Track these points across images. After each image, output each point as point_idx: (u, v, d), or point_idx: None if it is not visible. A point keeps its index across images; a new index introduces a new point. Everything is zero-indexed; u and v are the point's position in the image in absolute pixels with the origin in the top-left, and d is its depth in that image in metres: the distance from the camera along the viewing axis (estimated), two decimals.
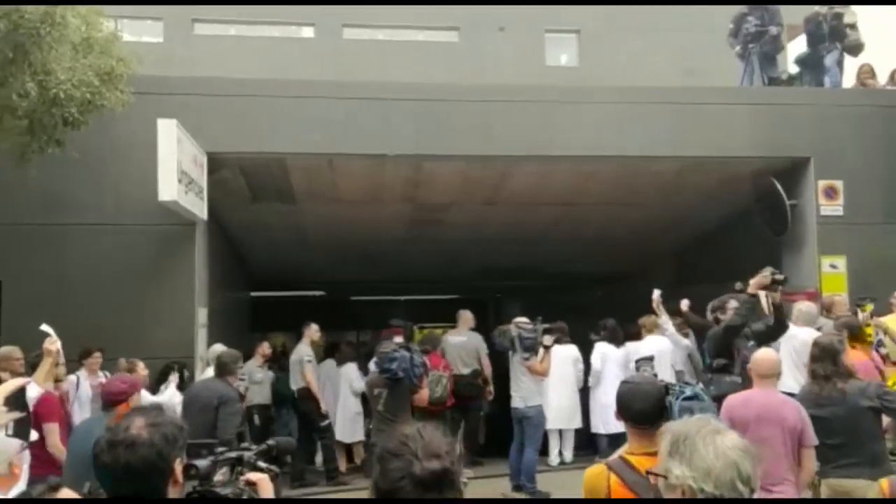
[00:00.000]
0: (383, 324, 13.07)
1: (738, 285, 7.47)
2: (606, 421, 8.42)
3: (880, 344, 7.61)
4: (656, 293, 8.33)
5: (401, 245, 12.41)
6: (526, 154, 8.54)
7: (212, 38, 20.88)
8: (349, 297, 21.34)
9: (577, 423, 8.76)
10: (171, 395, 6.72)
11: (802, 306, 7.69)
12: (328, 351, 10.75)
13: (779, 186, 8.79)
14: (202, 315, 8.16)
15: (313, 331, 8.98)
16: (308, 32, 22.95)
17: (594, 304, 13.64)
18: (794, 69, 9.97)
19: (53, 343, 5.11)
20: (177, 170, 6.58)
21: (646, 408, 2.93)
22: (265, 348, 9.00)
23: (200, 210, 7.73)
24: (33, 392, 4.88)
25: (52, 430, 5.03)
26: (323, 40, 21.52)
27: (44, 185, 7.62)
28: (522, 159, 8.66)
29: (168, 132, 6.54)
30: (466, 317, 9.16)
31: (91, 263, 7.73)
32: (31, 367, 5.64)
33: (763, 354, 4.58)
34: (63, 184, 7.67)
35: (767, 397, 4.34)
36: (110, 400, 4.38)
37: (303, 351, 8.85)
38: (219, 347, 7.95)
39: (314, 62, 18.18)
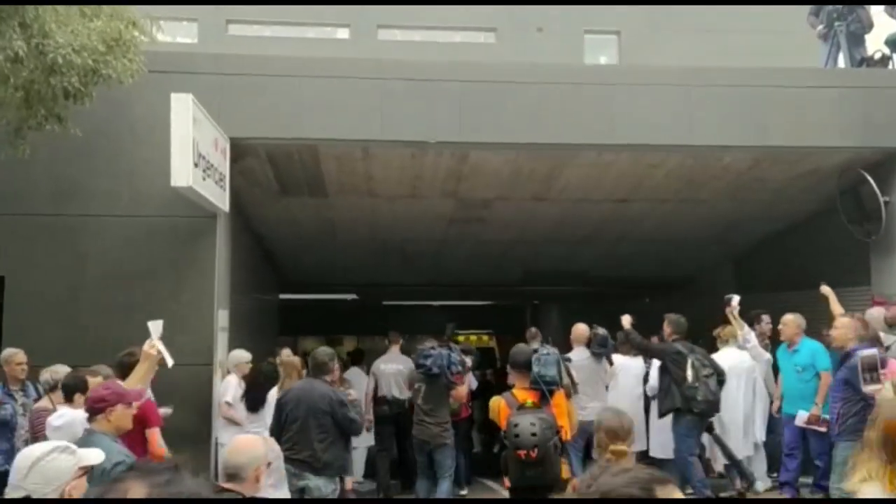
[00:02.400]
0: (417, 330, 12.29)
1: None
2: (664, 443, 7.49)
3: None
4: (735, 299, 7.33)
5: (438, 245, 11.58)
6: (583, 142, 7.63)
7: (246, 38, 20.42)
8: (382, 302, 20.63)
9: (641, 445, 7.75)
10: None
11: (874, 311, 6.80)
12: (354, 358, 10.18)
13: (871, 181, 7.76)
14: (223, 318, 7.39)
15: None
16: (343, 34, 22.51)
17: (641, 313, 12.66)
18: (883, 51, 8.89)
19: (153, 346, 4.73)
20: (193, 152, 5.80)
21: (523, 360, 4.96)
22: (287, 353, 8.16)
23: (222, 200, 6.97)
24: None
25: (154, 434, 4.94)
26: (358, 41, 21.01)
27: (50, 170, 6.95)
28: (579, 148, 7.75)
29: (183, 108, 5.77)
30: (397, 339, 9.11)
31: (101, 258, 7.03)
32: (119, 368, 5.17)
33: None
34: (72, 169, 6.99)
35: None
36: (89, 408, 3.83)
37: None
38: (239, 353, 7.22)
39: None
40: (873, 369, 3.41)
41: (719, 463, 7.54)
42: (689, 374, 6.73)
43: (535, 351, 5.06)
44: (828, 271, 9.15)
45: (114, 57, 5.35)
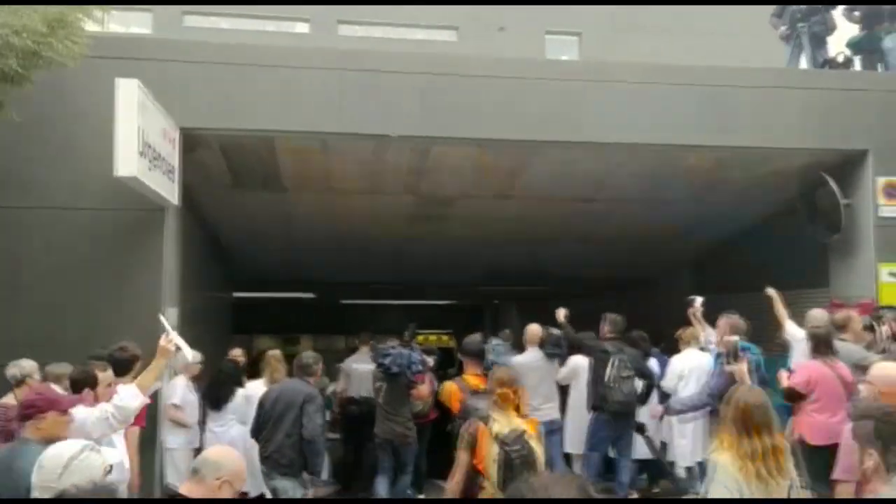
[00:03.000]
0: (376, 330, 12.03)
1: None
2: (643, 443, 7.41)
3: None
4: (698, 301, 7.27)
5: (399, 244, 11.33)
6: (548, 139, 7.47)
7: (203, 31, 19.89)
8: (340, 301, 20.32)
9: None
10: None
11: (815, 312, 6.72)
12: None
13: (832, 182, 7.77)
14: (172, 316, 7.03)
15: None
16: (303, 28, 22.17)
17: (600, 314, 12.58)
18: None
19: (170, 341, 4.51)
20: (138, 140, 5.47)
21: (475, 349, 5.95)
22: (238, 353, 7.85)
23: (171, 193, 6.62)
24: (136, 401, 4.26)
25: (134, 435, 4.91)
26: (318, 36, 20.67)
27: None
28: (544, 145, 7.59)
29: (128, 94, 5.43)
30: (367, 339, 9.09)
31: (41, 254, 6.62)
32: (112, 364, 4.91)
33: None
34: (10, 158, 6.56)
35: None
36: (19, 414, 3.64)
37: None
38: (188, 353, 6.87)
39: None
40: (735, 353, 4.26)
41: (680, 468, 7.45)
42: (608, 373, 6.73)
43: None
44: (787, 273, 9.17)
45: (56, 39, 4.99)
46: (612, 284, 14.38)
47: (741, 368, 5.03)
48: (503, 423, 4.22)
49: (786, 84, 7.79)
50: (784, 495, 3.39)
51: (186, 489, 2.95)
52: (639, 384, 6.90)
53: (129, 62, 6.68)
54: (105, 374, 4.54)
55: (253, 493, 6.61)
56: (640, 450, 7.49)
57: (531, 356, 7.01)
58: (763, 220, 9.55)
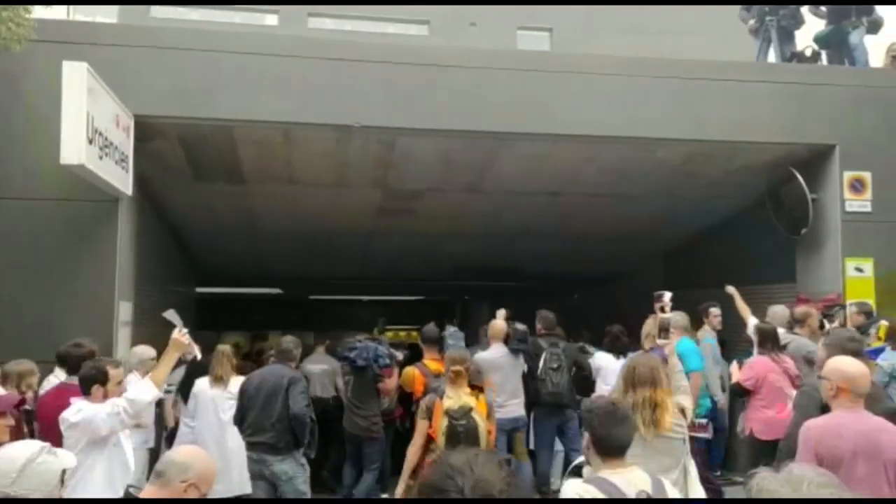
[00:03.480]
0: (345, 325, 11.86)
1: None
2: None
3: None
4: (666, 296, 7.16)
5: (366, 238, 11.13)
6: (518, 131, 7.33)
7: (169, 21, 19.44)
8: (308, 296, 20.05)
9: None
10: None
11: (777, 308, 7.05)
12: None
13: (800, 177, 7.74)
14: (125, 311, 6.79)
15: None
16: (272, 20, 21.86)
17: (569, 310, 12.53)
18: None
19: (184, 334, 4.51)
20: (87, 126, 5.21)
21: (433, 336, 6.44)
22: None
23: (124, 183, 6.36)
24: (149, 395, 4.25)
25: None
26: (287, 29, 20.35)
27: None
28: (514, 138, 7.45)
29: (76, 77, 5.16)
30: (323, 339, 9.11)
31: None
32: (69, 363, 4.80)
33: (857, 366, 3.51)
34: None
35: (864, 422, 3.40)
36: None
37: None
38: (143, 350, 6.61)
39: None
40: (666, 330, 4.51)
41: None
42: (539, 366, 6.88)
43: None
44: (754, 268, 9.17)
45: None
46: (584, 280, 14.34)
47: (670, 345, 5.09)
48: (454, 399, 4.77)
49: (755, 78, 7.74)
50: (656, 445, 3.73)
51: (149, 493, 2.75)
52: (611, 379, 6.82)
53: (81, 47, 6.41)
54: (117, 371, 4.36)
55: (234, 493, 6.27)
56: None
57: (495, 352, 6.85)
58: (732, 215, 9.52)
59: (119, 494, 3.98)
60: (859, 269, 7.60)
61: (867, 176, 7.70)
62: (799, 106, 7.72)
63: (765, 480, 1.80)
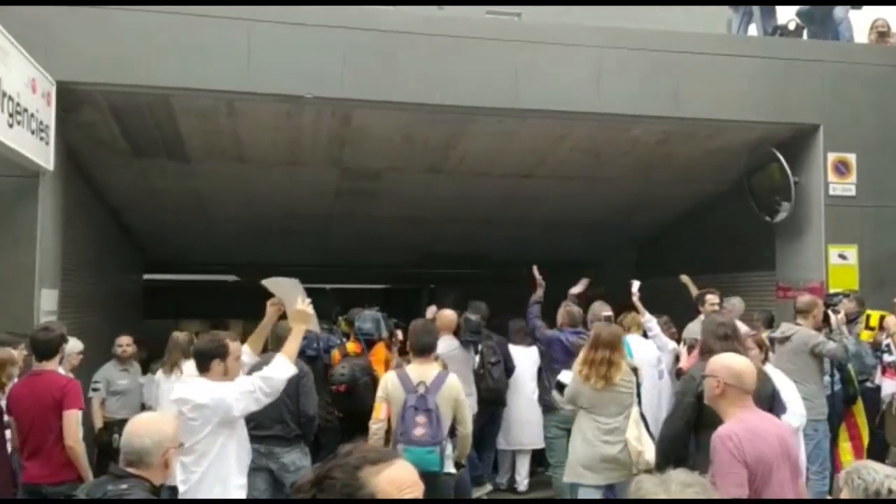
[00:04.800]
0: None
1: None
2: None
3: (888, 350, 6.20)
4: (636, 285, 6.75)
5: (324, 222, 10.50)
6: (484, 105, 6.77)
7: None
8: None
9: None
10: None
11: (735, 300, 6.90)
12: None
13: (782, 159, 7.31)
14: (49, 299, 6.11)
15: None
16: None
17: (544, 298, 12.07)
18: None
19: (307, 303, 4.26)
20: None
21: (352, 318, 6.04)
22: (125, 342, 6.91)
23: (43, 156, 5.67)
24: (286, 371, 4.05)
25: (71, 418, 4.49)
26: None
27: None
28: (481, 113, 6.88)
29: None
30: None
31: None
32: (37, 348, 4.55)
33: (743, 361, 3.34)
34: None
35: (769, 423, 3.29)
36: None
37: None
38: (71, 342, 5.94)
39: None
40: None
41: None
42: (476, 360, 6.67)
43: None
44: (732, 255, 8.78)
45: None
46: (554, 268, 13.85)
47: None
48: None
49: (735, 52, 7.28)
50: (604, 396, 4.81)
51: (135, 471, 2.66)
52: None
53: None
54: (235, 345, 4.04)
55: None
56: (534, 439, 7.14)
57: (445, 344, 6.25)
58: (709, 199, 9.10)
59: (245, 476, 3.94)
60: (843, 257, 7.22)
61: (852, 158, 7.31)
62: (781, 83, 7.28)
63: (644, 482, 1.96)
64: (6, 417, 4.57)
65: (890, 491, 1.99)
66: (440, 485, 4.54)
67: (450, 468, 4.65)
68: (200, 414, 3.70)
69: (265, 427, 5.06)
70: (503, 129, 7.26)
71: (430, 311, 6.79)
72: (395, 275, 17.39)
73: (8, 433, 4.63)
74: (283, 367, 3.95)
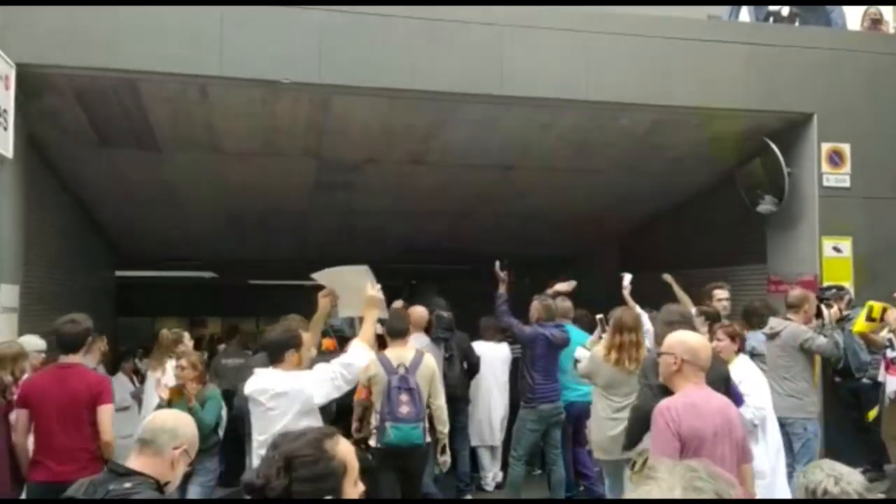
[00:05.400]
0: (285, 311, 11.04)
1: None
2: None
3: (890, 345, 6.03)
4: (627, 278, 6.52)
5: (303, 217, 10.20)
6: (470, 91, 6.50)
7: None
8: (248, 281, 18.97)
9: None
10: None
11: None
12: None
13: (775, 149, 7.12)
14: (7, 295, 5.77)
15: None
16: None
17: (521, 294, 11.85)
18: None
19: (377, 288, 4.21)
20: None
21: (404, 326, 5.36)
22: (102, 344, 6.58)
23: (3, 145, 5.35)
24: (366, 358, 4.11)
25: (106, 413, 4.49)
26: None
27: None
28: (464, 99, 6.61)
29: None
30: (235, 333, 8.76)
31: None
32: (64, 342, 4.50)
33: (699, 339, 3.46)
34: None
35: (715, 400, 3.31)
36: None
37: None
38: (29, 340, 5.60)
39: None
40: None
41: None
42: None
43: None
44: (721, 249, 8.59)
45: None
46: (536, 263, 13.64)
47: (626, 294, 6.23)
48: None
49: (727, 38, 7.06)
50: (621, 377, 5.14)
51: (140, 464, 2.46)
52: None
53: None
54: (306, 335, 4.10)
55: None
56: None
57: (417, 342, 5.97)
58: (696, 192, 8.89)
59: None
60: (837, 249, 7.03)
61: (846, 148, 7.13)
62: (774, 70, 7.08)
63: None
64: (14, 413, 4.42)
65: (825, 491, 1.98)
66: (422, 455, 5.07)
67: (427, 439, 5.04)
68: (280, 403, 3.67)
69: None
70: (486, 116, 7.00)
71: (397, 303, 6.58)
72: (375, 270, 17.10)
73: None
74: (362, 354, 3.95)
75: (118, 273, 12.32)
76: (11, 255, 5.89)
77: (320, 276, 4.37)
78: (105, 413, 4.37)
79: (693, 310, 6.38)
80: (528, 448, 6.22)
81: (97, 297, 10.15)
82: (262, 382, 3.78)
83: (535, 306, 6.26)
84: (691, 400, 3.20)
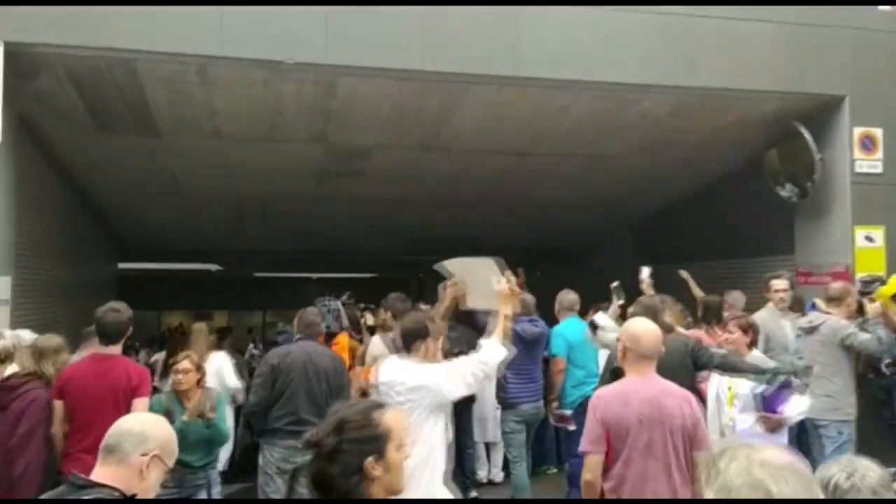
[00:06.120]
0: (292, 305, 10.96)
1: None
2: None
3: None
4: (645, 271, 6.17)
5: (308, 206, 9.90)
6: (483, 72, 6.16)
7: None
8: (253, 274, 18.72)
9: None
10: None
11: (736, 294, 6.66)
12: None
13: (806, 133, 6.76)
14: (3, 287, 5.48)
15: None
16: None
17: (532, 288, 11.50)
18: None
19: (454, 284, 4.19)
20: None
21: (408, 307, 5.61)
22: None
23: None
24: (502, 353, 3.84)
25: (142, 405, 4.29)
26: None
27: None
28: (478, 80, 6.27)
29: None
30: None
31: None
32: (107, 331, 4.31)
33: (645, 326, 3.40)
34: None
35: (651, 388, 3.30)
36: None
37: None
38: (23, 334, 5.30)
39: None
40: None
41: None
42: None
43: None
44: (745, 239, 8.25)
45: None
46: (547, 254, 13.33)
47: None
48: None
49: (755, 16, 6.68)
50: None
51: (103, 474, 2.14)
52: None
53: None
54: (434, 326, 3.97)
55: None
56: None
57: None
58: (717, 179, 8.54)
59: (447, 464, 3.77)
60: (869, 239, 6.68)
61: (878, 132, 6.77)
62: (804, 50, 6.72)
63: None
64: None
65: (836, 486, 1.85)
66: None
67: None
68: (412, 397, 3.52)
69: (304, 423, 4.67)
70: (501, 99, 6.66)
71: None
72: (382, 262, 16.81)
73: None
74: (497, 350, 3.79)
75: (121, 265, 12.05)
76: (1, 244, 5.60)
77: (450, 265, 4.23)
78: (140, 406, 4.17)
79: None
80: (521, 447, 5.99)
81: (97, 289, 9.88)
82: (397, 374, 3.66)
83: None
84: (622, 388, 3.31)
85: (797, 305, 6.14)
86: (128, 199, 9.15)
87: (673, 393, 3.29)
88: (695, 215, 9.32)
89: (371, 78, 6.16)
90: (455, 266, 4.23)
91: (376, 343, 5.29)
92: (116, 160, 7.75)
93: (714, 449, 1.65)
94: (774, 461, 1.47)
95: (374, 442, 1.92)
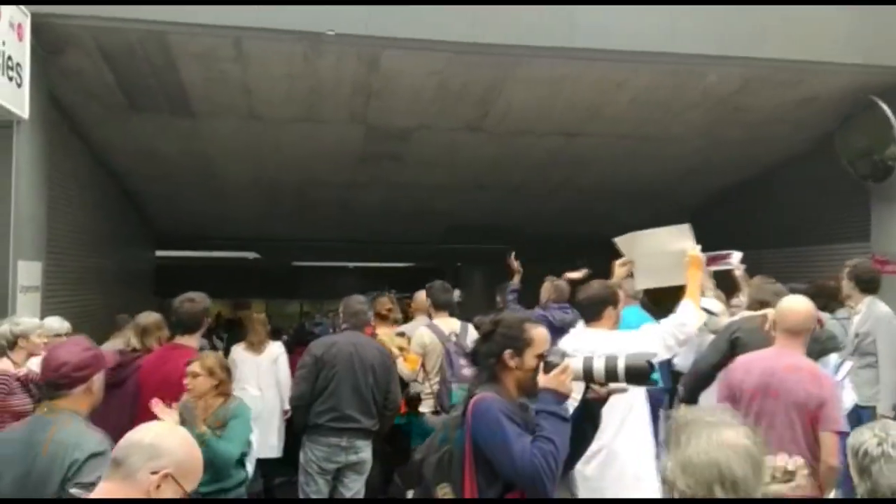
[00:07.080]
0: (328, 295, 10.72)
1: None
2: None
3: None
4: (737, 256, 5.53)
5: (344, 192, 9.57)
6: (535, 45, 5.74)
7: None
8: (291, 263, 18.53)
9: None
10: None
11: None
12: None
13: (885, 108, 6.22)
14: (28, 272, 5.23)
15: None
16: None
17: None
18: None
19: (626, 263, 4.20)
20: None
21: (449, 298, 5.36)
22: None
23: (16, 101, 4.77)
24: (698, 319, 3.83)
25: None
26: None
27: None
28: (529, 53, 5.85)
29: None
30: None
31: None
32: (183, 322, 4.28)
33: (792, 302, 3.42)
34: None
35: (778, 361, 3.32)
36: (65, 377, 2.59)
37: None
38: (51, 323, 5.05)
39: None
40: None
41: None
42: None
43: None
44: (815, 225, 7.73)
45: None
46: (590, 244, 12.85)
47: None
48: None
49: None
50: None
51: (106, 491, 1.83)
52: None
53: None
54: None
55: None
56: None
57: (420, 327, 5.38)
58: (785, 160, 8.01)
59: None
60: None
61: None
62: (883, 19, 6.17)
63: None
64: None
65: (866, 453, 1.84)
66: None
67: None
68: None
69: (348, 419, 4.49)
70: (554, 74, 6.24)
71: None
72: (419, 252, 16.48)
73: None
74: (693, 313, 3.71)
75: (158, 253, 11.89)
76: (34, 228, 5.35)
77: (622, 241, 4.15)
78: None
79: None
80: None
81: (133, 277, 9.70)
82: (579, 344, 3.53)
83: (546, 287, 6.01)
84: (751, 358, 3.45)
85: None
86: (161, 183, 8.92)
87: (800, 368, 3.26)
88: (755, 200, 8.79)
89: (416, 51, 5.79)
90: (630, 241, 4.13)
91: (424, 332, 5.06)
92: (149, 142, 7.50)
93: (679, 420, 1.68)
94: (732, 442, 1.58)
95: (517, 342, 2.45)
